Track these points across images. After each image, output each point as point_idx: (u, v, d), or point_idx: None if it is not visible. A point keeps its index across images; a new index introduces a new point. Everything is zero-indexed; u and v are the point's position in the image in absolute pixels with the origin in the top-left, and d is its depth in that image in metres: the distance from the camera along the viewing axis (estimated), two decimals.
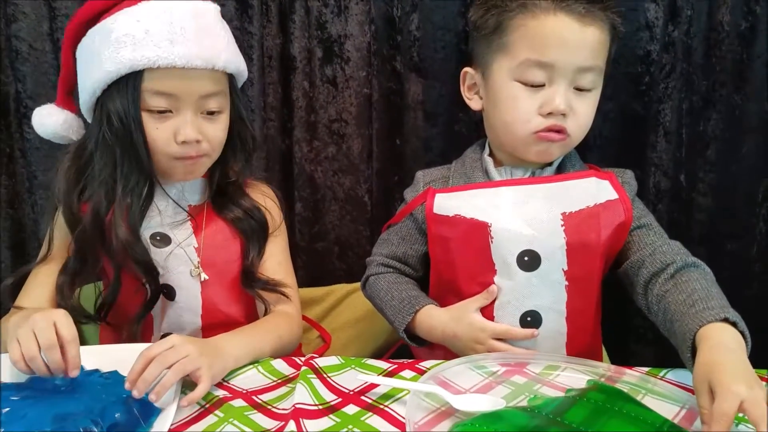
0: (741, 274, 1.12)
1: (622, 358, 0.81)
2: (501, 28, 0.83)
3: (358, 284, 1.02)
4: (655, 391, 0.67)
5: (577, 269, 0.81)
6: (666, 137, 1.09)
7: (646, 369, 0.74)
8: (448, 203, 0.85)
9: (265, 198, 0.95)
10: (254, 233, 0.90)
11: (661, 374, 0.73)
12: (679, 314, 0.71)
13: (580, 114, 0.83)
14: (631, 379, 0.69)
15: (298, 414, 0.64)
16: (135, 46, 0.75)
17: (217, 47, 0.80)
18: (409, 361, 0.78)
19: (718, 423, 0.55)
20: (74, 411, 0.59)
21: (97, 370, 0.69)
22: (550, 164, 0.88)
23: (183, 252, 0.86)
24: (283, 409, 0.67)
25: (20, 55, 1.13)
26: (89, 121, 0.84)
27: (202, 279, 0.86)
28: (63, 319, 0.66)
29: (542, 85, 0.82)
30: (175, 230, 0.86)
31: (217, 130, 0.83)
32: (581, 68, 0.81)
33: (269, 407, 0.68)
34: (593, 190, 0.83)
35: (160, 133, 0.79)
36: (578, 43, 0.80)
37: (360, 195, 1.20)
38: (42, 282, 0.83)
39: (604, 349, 0.95)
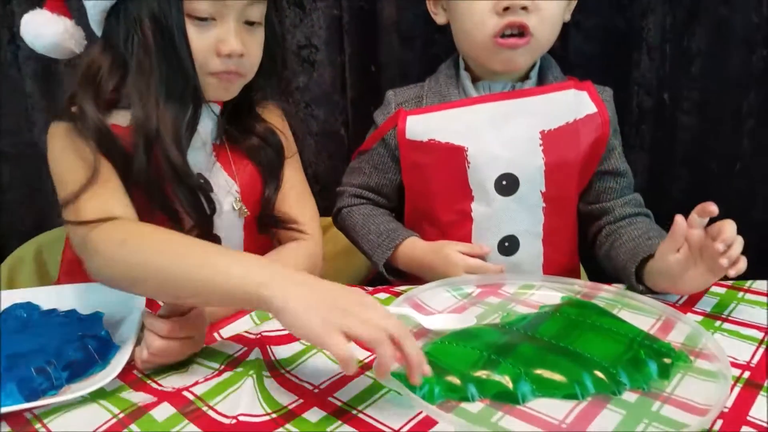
0: (723, 192, 1.10)
1: (606, 274, 0.81)
2: None
3: None
4: (632, 305, 0.66)
5: (555, 190, 0.80)
6: (649, 54, 1.06)
7: (625, 285, 0.73)
8: (421, 126, 0.82)
9: (278, 119, 0.85)
10: (271, 164, 0.81)
11: (641, 289, 0.72)
12: (632, 243, 0.76)
13: (544, 7, 0.75)
14: (607, 294, 0.68)
15: (265, 341, 0.62)
16: None
17: None
18: (384, 286, 0.77)
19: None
20: (27, 351, 0.57)
21: (54, 310, 0.66)
22: (528, 77, 0.83)
23: (224, 182, 0.76)
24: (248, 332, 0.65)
25: None
26: (96, 27, 0.73)
27: (245, 214, 0.77)
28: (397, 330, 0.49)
29: None
30: (204, 167, 0.75)
31: (257, 46, 0.74)
32: None
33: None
34: (573, 104, 0.80)
35: (201, 43, 0.68)
36: None
37: (336, 128, 1.16)
38: (116, 193, 0.67)
39: (582, 270, 0.94)
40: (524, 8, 0.74)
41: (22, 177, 1.17)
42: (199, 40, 0.68)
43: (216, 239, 0.75)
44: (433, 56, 1.09)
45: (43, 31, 0.73)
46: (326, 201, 1.22)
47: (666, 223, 0.72)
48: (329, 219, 1.14)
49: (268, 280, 0.51)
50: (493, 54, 0.78)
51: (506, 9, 0.74)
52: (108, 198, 0.66)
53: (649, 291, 0.71)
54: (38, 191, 1.18)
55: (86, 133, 0.67)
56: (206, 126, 0.75)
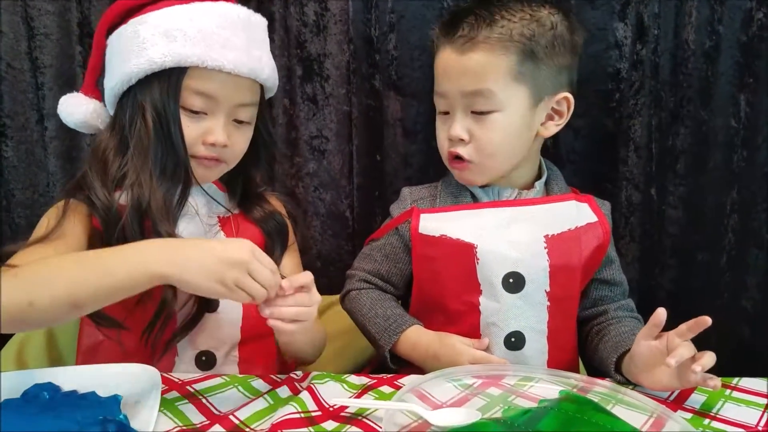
0: (712, 284, 1.15)
1: (598, 370, 0.85)
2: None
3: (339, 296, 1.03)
4: (625, 401, 0.69)
5: (559, 290, 0.84)
6: (636, 152, 1.13)
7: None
8: (433, 223, 0.87)
9: (281, 208, 0.95)
10: (277, 235, 0.89)
11: (632, 385, 0.76)
12: (618, 337, 0.81)
13: (481, 139, 0.85)
14: (602, 389, 0.72)
15: (278, 426, 0.65)
16: (186, 42, 0.75)
17: (263, 60, 0.83)
18: (389, 376, 0.80)
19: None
20: None
21: (74, 391, 0.68)
22: (534, 186, 0.91)
23: None
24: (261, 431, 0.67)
25: None
26: (110, 108, 0.83)
27: None
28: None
29: (448, 113, 0.88)
30: (200, 236, 0.83)
31: (242, 141, 0.84)
32: (467, 93, 0.84)
33: (247, 428, 0.67)
34: (574, 213, 0.87)
35: (189, 132, 0.78)
36: (458, 70, 0.85)
37: (341, 210, 1.22)
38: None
39: (580, 361, 0.97)
40: (461, 140, 0.86)
41: None
42: (190, 129, 0.79)
43: (214, 304, 0.82)
44: (433, 148, 1.15)
45: (75, 110, 0.85)
46: (327, 279, 1.26)
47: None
48: (332, 297, 1.18)
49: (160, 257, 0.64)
50: (452, 169, 0.91)
51: (450, 139, 0.87)
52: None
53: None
54: None
55: (95, 211, 0.76)
56: (198, 201, 0.84)
